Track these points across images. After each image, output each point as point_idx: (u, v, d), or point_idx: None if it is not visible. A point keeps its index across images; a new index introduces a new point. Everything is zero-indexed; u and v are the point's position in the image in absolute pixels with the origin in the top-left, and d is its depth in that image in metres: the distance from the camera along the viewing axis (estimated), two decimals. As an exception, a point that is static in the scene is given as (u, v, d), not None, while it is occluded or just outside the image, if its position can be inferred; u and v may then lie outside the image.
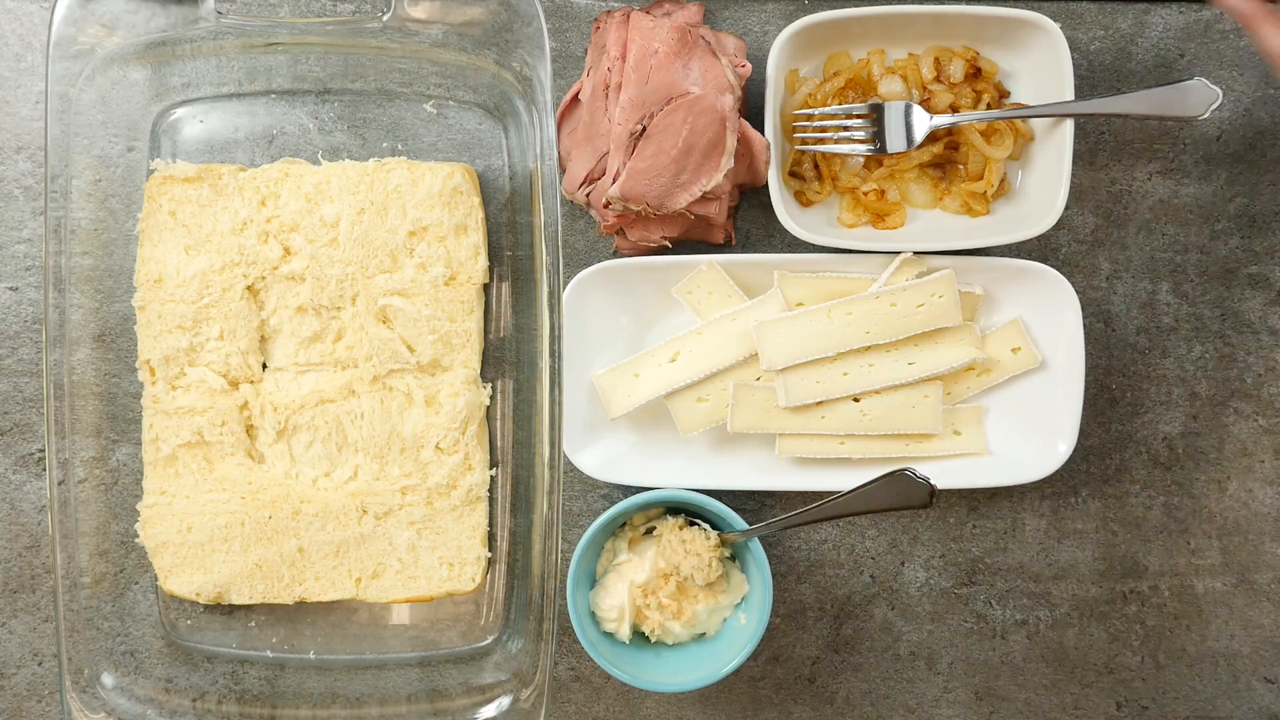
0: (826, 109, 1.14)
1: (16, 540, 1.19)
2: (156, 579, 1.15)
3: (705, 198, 1.12)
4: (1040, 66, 1.14)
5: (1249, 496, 1.21)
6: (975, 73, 1.15)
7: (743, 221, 1.20)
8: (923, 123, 1.13)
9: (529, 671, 1.08)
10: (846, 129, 1.14)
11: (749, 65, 1.12)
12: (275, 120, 1.17)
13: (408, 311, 1.12)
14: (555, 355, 1.05)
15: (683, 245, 1.19)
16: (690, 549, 1.11)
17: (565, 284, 1.14)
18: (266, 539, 1.13)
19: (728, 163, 1.10)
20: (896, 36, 1.16)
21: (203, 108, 1.16)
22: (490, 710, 1.10)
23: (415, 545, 1.13)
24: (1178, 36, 1.20)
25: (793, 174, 1.18)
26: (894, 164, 1.16)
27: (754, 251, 1.20)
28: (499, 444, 1.17)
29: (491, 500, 1.16)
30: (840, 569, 1.21)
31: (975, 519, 1.21)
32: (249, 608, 1.17)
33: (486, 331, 1.16)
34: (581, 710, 1.20)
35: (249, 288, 1.13)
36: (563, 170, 1.16)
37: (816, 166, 1.17)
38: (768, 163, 1.13)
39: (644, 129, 1.09)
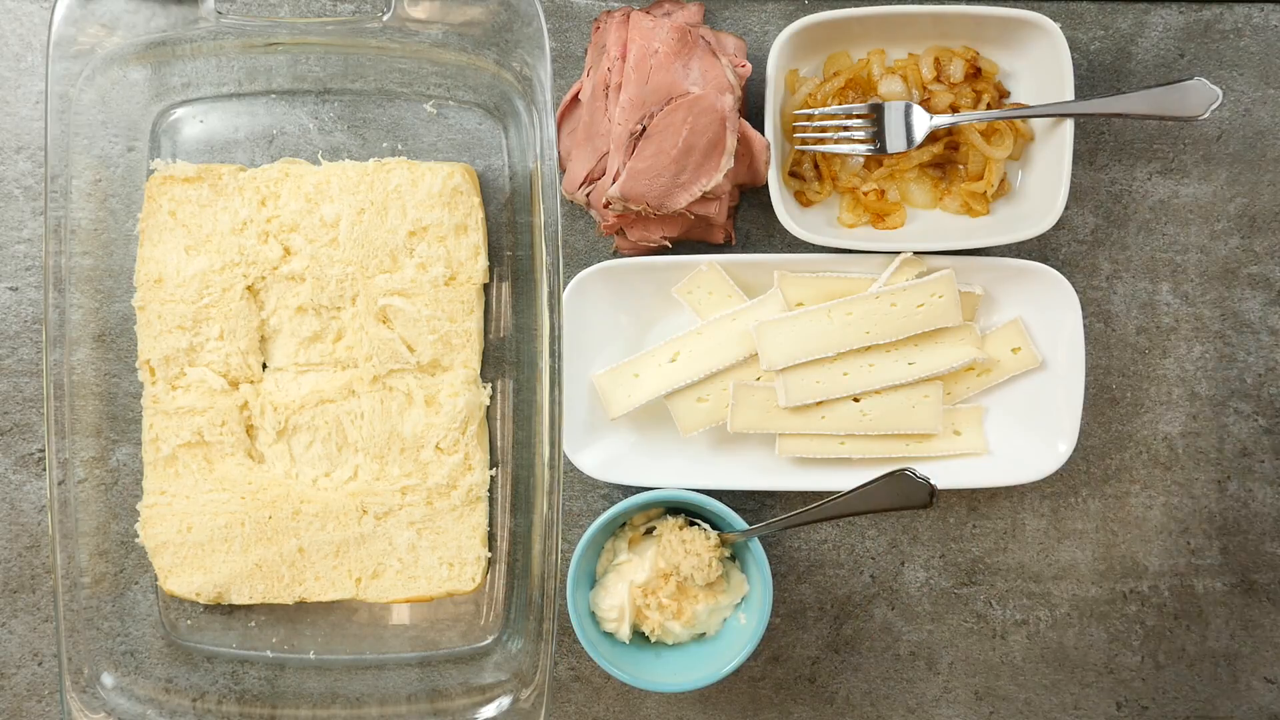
0: (826, 109, 1.14)
1: (16, 540, 1.19)
2: (156, 579, 1.15)
3: (705, 198, 1.12)
4: (1040, 66, 1.14)
5: (1249, 496, 1.21)
6: (975, 73, 1.15)
7: (743, 221, 1.20)
8: (923, 123, 1.13)
9: (529, 671, 1.08)
10: (846, 129, 1.14)
11: (749, 65, 1.12)
12: (275, 120, 1.17)
13: (408, 311, 1.12)
14: (555, 355, 1.05)
15: (683, 245, 1.19)
16: (690, 549, 1.11)
17: (565, 284, 1.14)
18: (266, 539, 1.13)
19: (728, 163, 1.10)
20: (896, 36, 1.16)
21: (203, 108, 1.16)
22: (490, 710, 1.10)
23: (415, 545, 1.14)
24: (1178, 36, 1.20)
25: (793, 174, 1.18)
26: (894, 164, 1.16)
27: (754, 251, 1.20)
28: (499, 444, 1.17)
29: (491, 500, 1.16)
30: (840, 569, 1.21)
31: (975, 519, 1.21)
32: (249, 608, 1.17)
33: (486, 331, 1.16)
34: (581, 710, 1.20)
35: (249, 288, 1.13)
36: (563, 170, 1.16)
37: (816, 166, 1.17)
38: (768, 163, 1.13)
39: (644, 129, 1.09)
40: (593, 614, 1.13)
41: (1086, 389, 1.19)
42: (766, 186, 1.13)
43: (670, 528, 1.13)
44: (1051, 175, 1.13)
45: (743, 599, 1.14)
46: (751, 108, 1.17)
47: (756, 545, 1.11)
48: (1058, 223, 1.12)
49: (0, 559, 1.19)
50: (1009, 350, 1.16)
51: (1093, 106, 1.10)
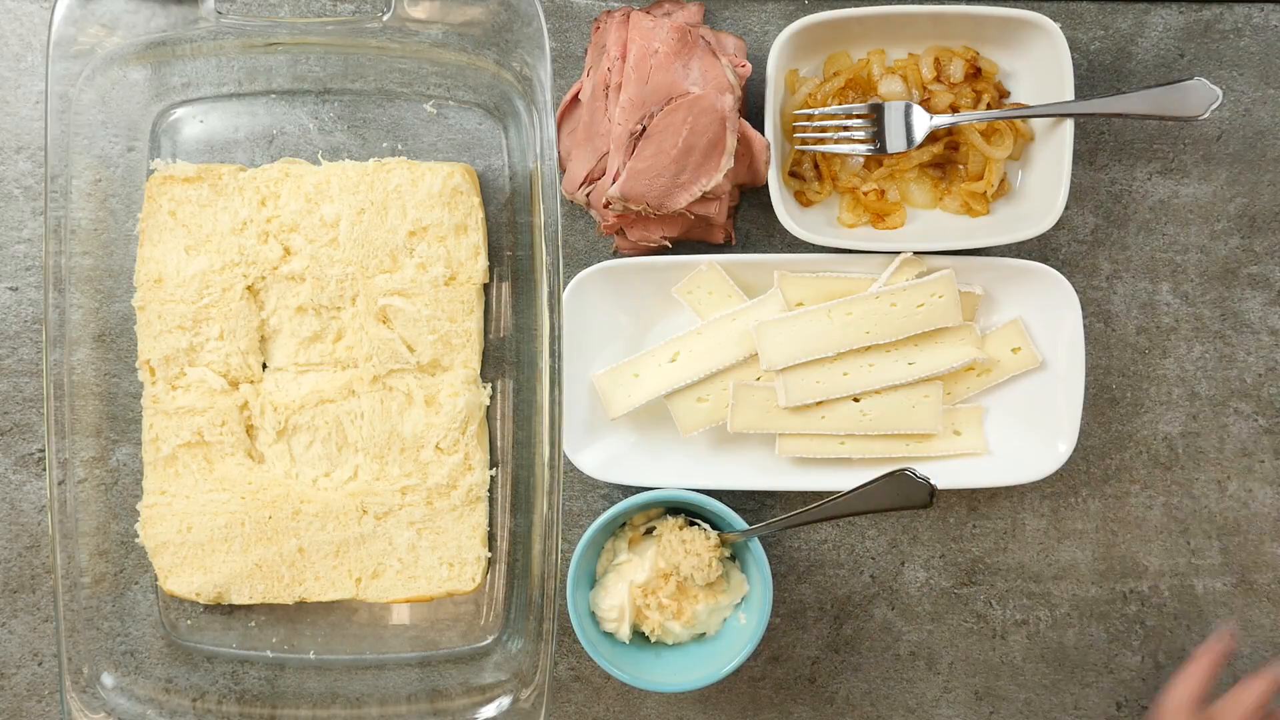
0: (826, 109, 1.14)
1: (16, 540, 1.19)
2: (156, 579, 1.15)
3: (705, 198, 1.12)
4: (1040, 66, 1.14)
5: (1249, 496, 1.21)
6: (975, 73, 1.15)
7: (743, 221, 1.20)
8: (923, 123, 1.13)
9: (529, 671, 1.08)
10: (846, 129, 1.14)
11: (749, 65, 1.12)
12: (275, 120, 1.17)
13: (408, 311, 1.12)
14: (555, 355, 1.05)
15: (683, 245, 1.19)
16: (690, 549, 1.11)
17: (565, 284, 1.14)
18: (266, 539, 1.13)
19: (728, 163, 1.10)
20: (896, 36, 1.16)
21: (203, 108, 1.16)
22: (490, 710, 1.10)
23: (415, 545, 1.13)
24: (1178, 36, 1.20)
25: (793, 174, 1.18)
26: (894, 164, 1.16)
27: (754, 251, 1.20)
28: (499, 444, 1.17)
29: (491, 500, 1.16)
30: (840, 569, 1.21)
31: (975, 519, 1.21)
32: (249, 608, 1.17)
33: (486, 331, 1.16)
34: (581, 710, 1.20)
35: (249, 288, 1.13)
36: (563, 170, 1.16)
37: (816, 166, 1.17)
38: (768, 163, 1.13)
39: (644, 129, 1.09)
40: (593, 614, 1.13)
41: (1086, 389, 1.19)
42: (766, 186, 1.13)
43: (670, 528, 1.13)
44: (1051, 175, 1.13)
45: (743, 599, 1.14)
46: (751, 108, 1.17)
47: (756, 545, 1.11)
48: (1058, 223, 1.12)
49: (0, 559, 1.19)
50: (1009, 350, 1.16)
51: (1093, 106, 1.10)
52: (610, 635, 1.13)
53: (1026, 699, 1.21)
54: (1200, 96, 1.09)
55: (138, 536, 1.13)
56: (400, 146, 1.17)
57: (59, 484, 1.07)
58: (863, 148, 1.14)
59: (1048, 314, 1.15)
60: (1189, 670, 1.09)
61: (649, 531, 1.16)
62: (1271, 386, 1.21)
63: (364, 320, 1.12)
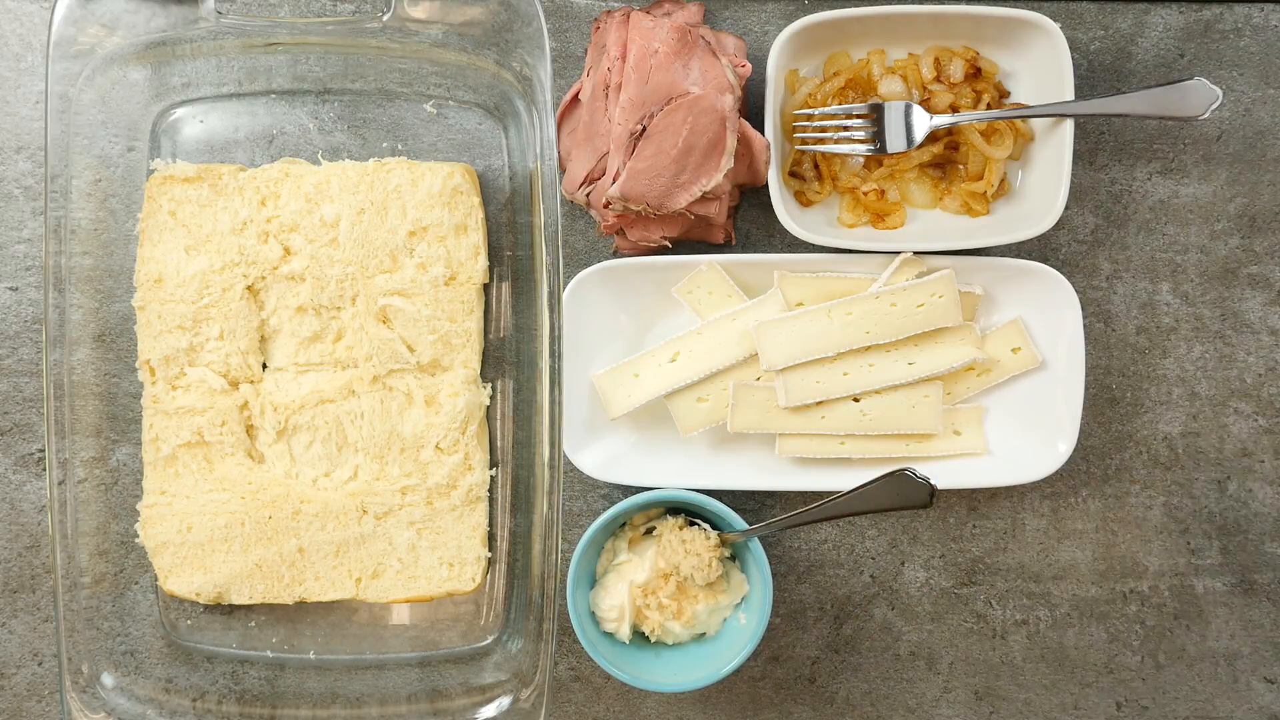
0: (826, 109, 1.14)
1: (16, 540, 1.19)
2: (156, 579, 1.15)
3: (705, 198, 1.12)
4: (1040, 66, 1.14)
5: (1249, 496, 1.21)
6: (975, 73, 1.15)
7: (743, 221, 1.20)
8: (923, 123, 1.13)
9: (529, 671, 1.08)
10: (846, 129, 1.14)
11: (749, 65, 1.12)
12: (275, 120, 1.17)
13: (408, 311, 1.12)
14: (555, 355, 1.05)
15: (683, 245, 1.19)
16: (690, 549, 1.11)
17: (565, 284, 1.14)
18: (266, 539, 1.13)
19: (728, 163, 1.10)
20: (896, 36, 1.16)
21: (203, 108, 1.16)
22: (490, 710, 1.10)
23: (415, 545, 1.13)
24: (1178, 36, 1.20)
25: (793, 174, 1.18)
26: (894, 164, 1.16)
27: (754, 251, 1.20)
28: (499, 444, 1.17)
29: (491, 500, 1.16)
30: (840, 569, 1.21)
31: (975, 519, 1.21)
32: (249, 608, 1.17)
33: (486, 331, 1.16)
34: (581, 710, 1.20)
35: (249, 288, 1.13)
36: (563, 170, 1.16)
37: (816, 166, 1.17)
38: (768, 163, 1.13)
39: (644, 129, 1.09)
40: (593, 614, 1.13)
41: (1086, 389, 1.19)
42: (766, 186, 1.13)
43: (670, 528, 1.13)
44: (1051, 175, 1.13)
45: (743, 599, 1.14)
46: (751, 108, 1.17)
47: (756, 545, 1.11)
48: (1058, 223, 1.12)
49: (0, 559, 1.19)
50: (1009, 350, 1.16)
51: (1093, 106, 1.10)
52: (610, 635, 1.13)
53: (1026, 699, 1.21)
54: (1200, 96, 1.09)
55: (138, 536, 1.13)
56: (400, 146, 1.17)
57: (59, 484, 1.07)
58: (863, 148, 1.14)
59: (1048, 314, 1.15)
60: None
61: (649, 531, 1.16)
62: (1271, 386, 1.21)
63: (364, 320, 1.12)
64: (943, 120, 1.13)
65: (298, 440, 1.14)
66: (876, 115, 1.14)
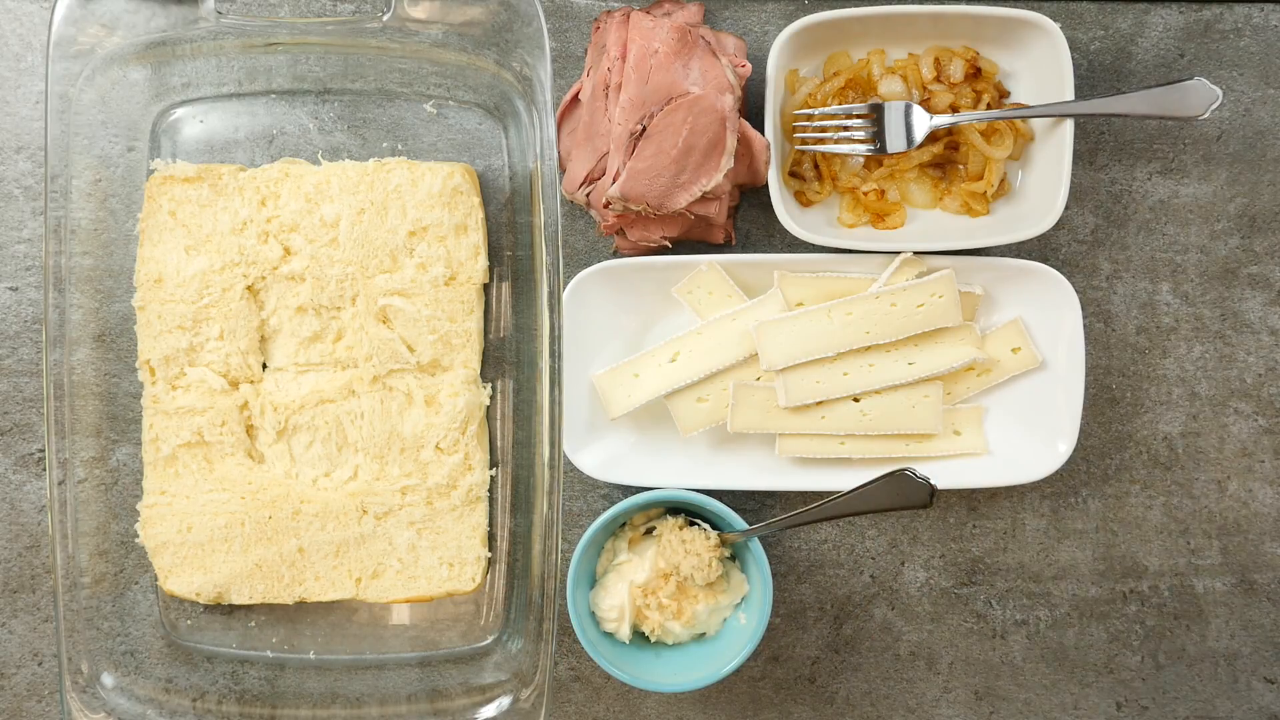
0: (826, 109, 1.14)
1: (16, 540, 1.19)
2: (156, 579, 1.15)
3: (705, 198, 1.12)
4: (1040, 66, 1.14)
5: (1249, 496, 1.21)
6: (975, 73, 1.15)
7: (743, 221, 1.20)
8: (923, 123, 1.13)
9: (529, 671, 1.08)
10: (846, 129, 1.14)
11: (749, 65, 1.12)
12: (275, 120, 1.17)
13: (408, 311, 1.12)
14: (555, 355, 1.05)
15: (683, 245, 1.19)
16: (690, 549, 1.11)
17: (565, 284, 1.14)
18: (266, 539, 1.13)
19: (728, 163, 1.10)
20: (896, 36, 1.16)
21: (203, 108, 1.16)
22: (490, 710, 1.10)
23: (415, 545, 1.13)
24: (1178, 36, 1.20)
25: (793, 174, 1.18)
26: (894, 164, 1.16)
27: (754, 251, 1.20)
28: (499, 444, 1.17)
29: (491, 500, 1.16)
30: (840, 569, 1.21)
31: (975, 519, 1.21)
32: (249, 608, 1.17)
33: (486, 331, 1.16)
34: (581, 710, 1.20)
35: (249, 288, 1.13)
36: (563, 170, 1.16)
37: (816, 166, 1.17)
38: (768, 163, 1.13)
39: (644, 129, 1.09)
40: (593, 614, 1.13)
41: (1086, 389, 1.19)
42: (766, 186, 1.13)
43: (670, 528, 1.13)
44: (1051, 175, 1.13)
45: (743, 599, 1.14)
46: (751, 108, 1.17)
47: (756, 545, 1.11)
48: (1058, 223, 1.12)
49: (0, 559, 1.19)
50: (1009, 350, 1.16)
51: (1093, 106, 1.10)
52: (610, 635, 1.13)
53: (1026, 699, 1.21)
54: (1200, 96, 1.09)
55: (138, 536, 1.13)
56: (400, 146, 1.17)
57: (59, 484, 1.07)
58: (863, 148, 1.14)
59: (1048, 314, 1.15)
60: None
61: (649, 531, 1.16)
62: (1271, 386, 1.21)
63: (364, 320, 1.12)
64: (943, 120, 1.13)
65: (298, 440, 1.14)
66: (876, 115, 1.14)
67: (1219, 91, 1.09)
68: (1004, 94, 1.17)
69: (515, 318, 1.16)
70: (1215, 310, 1.21)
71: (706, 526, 1.13)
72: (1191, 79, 1.09)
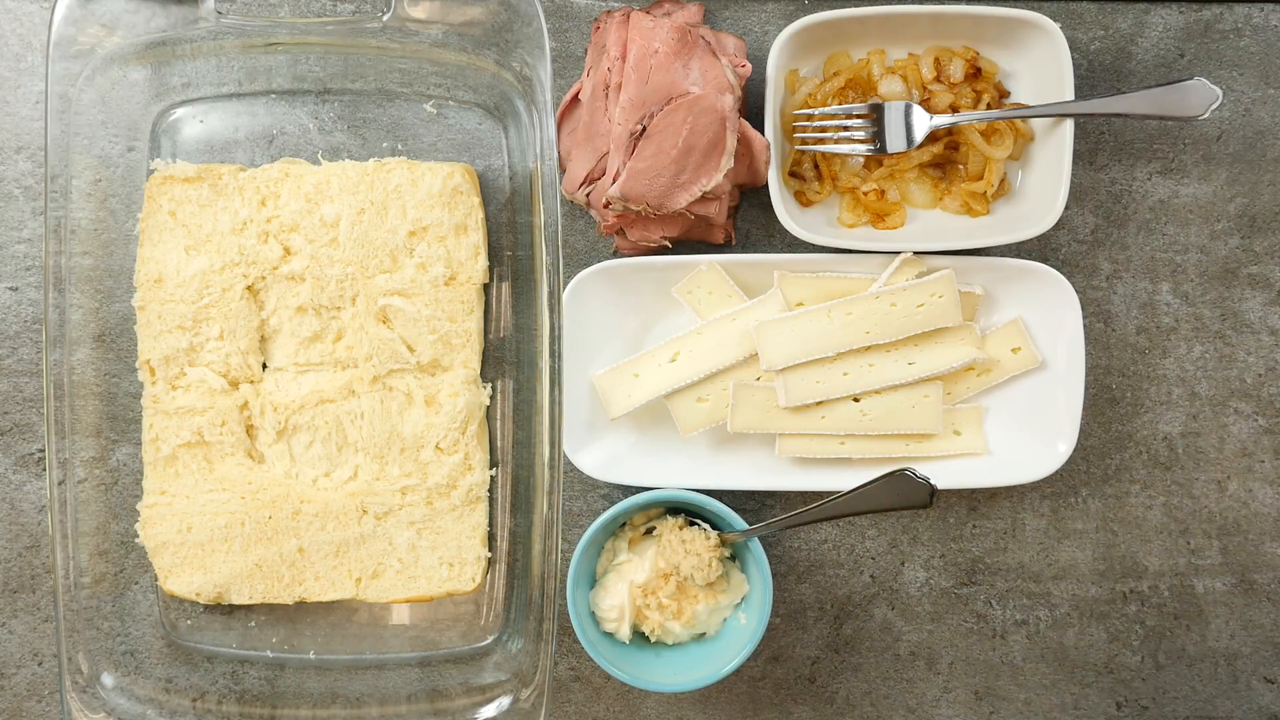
0: (826, 109, 1.14)
1: (16, 540, 1.19)
2: (156, 579, 1.15)
3: (705, 198, 1.12)
4: (1040, 66, 1.14)
5: (1249, 496, 1.21)
6: (975, 73, 1.15)
7: (743, 221, 1.20)
8: (923, 123, 1.13)
9: (529, 671, 1.08)
10: (846, 129, 1.14)
11: (749, 65, 1.12)
12: (275, 120, 1.17)
13: (408, 311, 1.12)
14: (555, 355, 1.05)
15: (683, 245, 1.19)
16: (690, 549, 1.11)
17: (565, 284, 1.14)
18: (266, 539, 1.13)
19: (728, 163, 1.10)
20: (896, 36, 1.16)
21: (203, 108, 1.16)
22: (490, 710, 1.10)
23: (415, 545, 1.13)
24: (1178, 36, 1.20)
25: (793, 174, 1.18)
26: (894, 164, 1.16)
27: (754, 251, 1.20)
28: (499, 444, 1.17)
29: (491, 500, 1.16)
30: (840, 569, 1.21)
31: (975, 519, 1.21)
32: (249, 608, 1.17)
33: (486, 331, 1.16)
34: (581, 710, 1.20)
35: (249, 288, 1.13)
36: (563, 170, 1.16)
37: (816, 166, 1.17)
38: (768, 163, 1.13)
39: (644, 129, 1.09)
40: (593, 614, 1.13)
41: (1086, 389, 1.19)
42: (766, 186, 1.13)
43: (670, 528, 1.13)
44: (1051, 175, 1.13)
45: (743, 599, 1.14)
46: (751, 108, 1.17)
47: (756, 545, 1.11)
48: (1058, 223, 1.12)
49: (0, 559, 1.19)
50: (1009, 350, 1.16)
51: (1093, 106, 1.10)
52: (610, 635, 1.13)
53: (1026, 699, 1.21)
54: (1200, 96, 1.09)
55: (138, 536, 1.13)
56: (400, 146, 1.17)
57: (59, 484, 1.07)
58: (863, 148, 1.14)
59: (1048, 314, 1.15)
60: None
61: (649, 531, 1.16)
62: (1271, 386, 1.21)
63: (364, 320, 1.12)
64: (943, 120, 1.13)
65: (298, 440, 1.14)
66: (876, 115, 1.14)
67: (1219, 91, 1.09)
68: (1004, 94, 1.17)
69: (515, 318, 1.16)
70: (1215, 310, 1.21)
71: (706, 526, 1.13)
72: (1191, 79, 1.09)
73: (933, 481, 1.03)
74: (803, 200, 1.18)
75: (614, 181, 1.10)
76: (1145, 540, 1.21)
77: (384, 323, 1.13)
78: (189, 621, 1.17)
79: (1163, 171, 1.20)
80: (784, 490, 1.17)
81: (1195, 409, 1.21)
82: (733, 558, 1.15)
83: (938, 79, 1.16)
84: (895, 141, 1.14)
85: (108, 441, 1.15)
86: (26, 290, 1.19)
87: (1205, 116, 1.09)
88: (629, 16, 1.11)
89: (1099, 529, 1.21)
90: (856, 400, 1.16)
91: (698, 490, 1.13)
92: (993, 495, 1.21)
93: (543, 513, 1.06)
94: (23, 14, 1.19)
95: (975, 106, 1.14)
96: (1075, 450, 1.16)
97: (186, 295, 1.12)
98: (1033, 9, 1.14)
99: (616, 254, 1.19)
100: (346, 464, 1.14)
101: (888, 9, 1.12)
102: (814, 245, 1.13)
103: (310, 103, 1.17)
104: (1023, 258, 1.17)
